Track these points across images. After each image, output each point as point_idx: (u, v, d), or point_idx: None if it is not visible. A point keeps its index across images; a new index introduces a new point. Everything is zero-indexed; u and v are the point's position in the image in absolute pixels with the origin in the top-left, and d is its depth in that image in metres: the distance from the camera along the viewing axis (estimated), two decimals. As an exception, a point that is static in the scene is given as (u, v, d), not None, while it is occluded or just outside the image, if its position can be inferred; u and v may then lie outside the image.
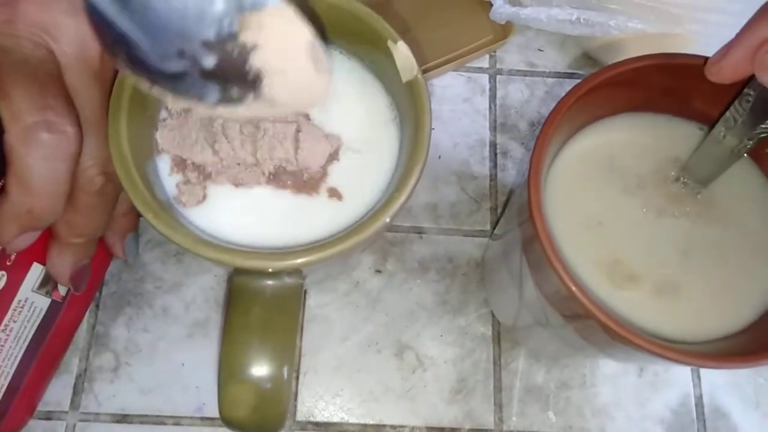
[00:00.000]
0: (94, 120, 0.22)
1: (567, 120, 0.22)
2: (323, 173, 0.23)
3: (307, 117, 0.23)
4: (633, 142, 0.24)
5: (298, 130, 0.22)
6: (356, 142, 0.23)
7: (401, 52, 0.22)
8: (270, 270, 0.20)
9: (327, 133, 0.23)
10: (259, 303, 0.20)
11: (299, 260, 0.19)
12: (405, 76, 0.22)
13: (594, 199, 0.23)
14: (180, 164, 0.22)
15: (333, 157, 0.23)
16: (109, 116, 0.21)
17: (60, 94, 0.21)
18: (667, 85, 0.22)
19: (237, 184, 0.22)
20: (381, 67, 0.23)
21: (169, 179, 0.22)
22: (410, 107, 0.22)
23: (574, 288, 0.19)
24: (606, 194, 0.23)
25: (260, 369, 0.20)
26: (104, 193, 0.23)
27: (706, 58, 0.21)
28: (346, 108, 0.24)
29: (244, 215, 0.22)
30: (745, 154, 0.23)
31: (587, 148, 0.24)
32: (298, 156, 0.22)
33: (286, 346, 0.20)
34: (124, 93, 0.21)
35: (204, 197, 0.22)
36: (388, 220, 0.20)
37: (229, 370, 0.19)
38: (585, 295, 0.19)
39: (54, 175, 0.20)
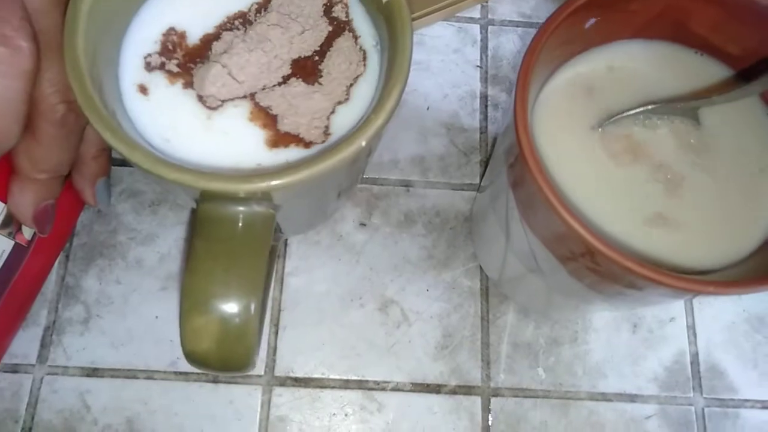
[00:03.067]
0: (56, 45, 0.20)
1: (554, 44, 0.20)
2: None
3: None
4: (627, 70, 0.22)
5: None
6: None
7: (380, -33, 0.20)
8: (236, 194, 0.18)
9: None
10: (224, 231, 0.19)
11: (267, 183, 0.18)
12: (384, -6, 0.20)
13: (583, 130, 0.22)
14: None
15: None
16: (65, 33, 0.19)
17: (15, 10, 0.19)
18: (662, 6, 0.21)
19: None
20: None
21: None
22: (390, 28, 0.20)
23: (570, 219, 0.18)
24: (597, 123, 0.22)
25: (225, 301, 0.18)
26: (66, 123, 0.22)
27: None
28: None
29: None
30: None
31: (576, 78, 0.22)
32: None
33: (254, 279, 0.19)
34: (81, 9, 0.19)
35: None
36: (363, 143, 0.19)
37: (191, 300, 0.18)
38: (582, 225, 0.18)
39: (7, 93, 0.19)
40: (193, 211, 0.20)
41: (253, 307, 0.18)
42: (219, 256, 0.19)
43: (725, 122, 0.21)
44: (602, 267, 0.20)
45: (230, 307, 0.18)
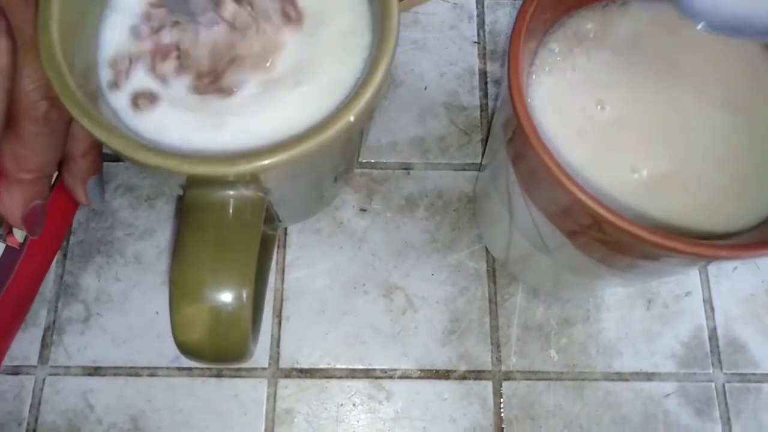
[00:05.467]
0: (33, 40, 0.20)
1: (545, 6, 0.19)
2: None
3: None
4: (618, 22, 0.21)
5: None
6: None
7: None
8: (222, 177, 0.18)
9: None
10: (213, 217, 0.18)
11: (253, 164, 0.17)
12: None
13: (587, 93, 0.21)
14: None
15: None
16: (38, 23, 0.18)
17: None
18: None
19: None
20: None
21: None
22: (376, -2, 0.20)
23: (573, 188, 0.17)
24: (598, 85, 0.21)
25: (216, 288, 0.18)
26: (49, 120, 0.21)
27: None
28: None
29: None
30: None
31: (570, 38, 0.21)
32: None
33: (245, 266, 0.18)
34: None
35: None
36: (352, 118, 0.18)
37: (180, 289, 0.17)
38: (587, 194, 0.17)
39: None
40: (180, 199, 0.19)
41: (245, 294, 0.18)
42: (208, 242, 0.18)
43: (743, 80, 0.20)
44: (611, 238, 0.19)
45: (222, 295, 0.18)
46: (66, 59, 0.18)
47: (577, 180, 0.17)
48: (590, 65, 0.21)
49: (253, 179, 0.18)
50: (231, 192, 0.18)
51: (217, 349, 0.18)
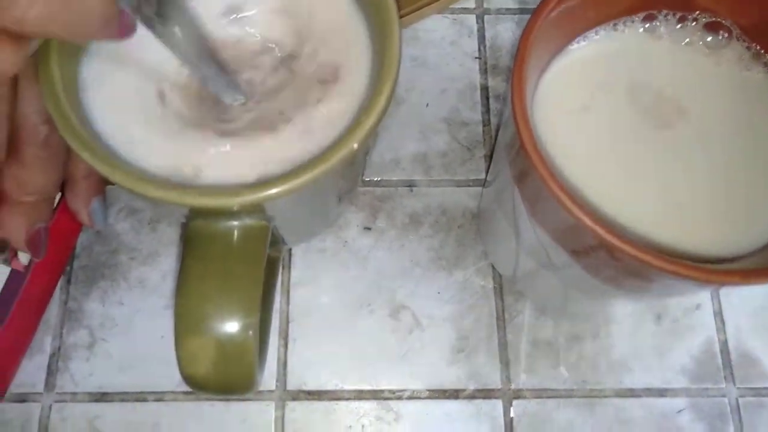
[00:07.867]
0: (33, 63, 0.20)
1: (552, 27, 0.19)
2: None
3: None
4: (631, 51, 0.21)
5: None
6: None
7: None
8: (226, 209, 0.17)
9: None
10: (216, 248, 0.18)
11: (257, 195, 0.17)
12: (368, -13, 0.19)
13: (591, 117, 0.20)
14: None
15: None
16: (39, 53, 0.18)
17: None
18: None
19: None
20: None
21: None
22: (377, 24, 0.19)
23: (580, 213, 0.17)
24: (603, 110, 0.21)
25: (220, 321, 0.17)
26: (50, 144, 0.21)
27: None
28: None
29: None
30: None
31: (580, 61, 0.21)
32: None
33: (250, 297, 0.18)
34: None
35: None
36: (356, 146, 0.18)
37: (184, 323, 0.17)
38: (594, 219, 0.17)
39: None
40: (184, 227, 0.19)
41: (250, 326, 0.18)
42: (212, 274, 0.18)
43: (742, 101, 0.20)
44: (618, 261, 0.18)
45: (226, 328, 0.17)
46: (65, 89, 0.18)
47: (582, 203, 0.17)
48: (594, 84, 0.21)
49: (256, 209, 0.18)
50: (235, 222, 0.18)
51: (224, 382, 0.18)
